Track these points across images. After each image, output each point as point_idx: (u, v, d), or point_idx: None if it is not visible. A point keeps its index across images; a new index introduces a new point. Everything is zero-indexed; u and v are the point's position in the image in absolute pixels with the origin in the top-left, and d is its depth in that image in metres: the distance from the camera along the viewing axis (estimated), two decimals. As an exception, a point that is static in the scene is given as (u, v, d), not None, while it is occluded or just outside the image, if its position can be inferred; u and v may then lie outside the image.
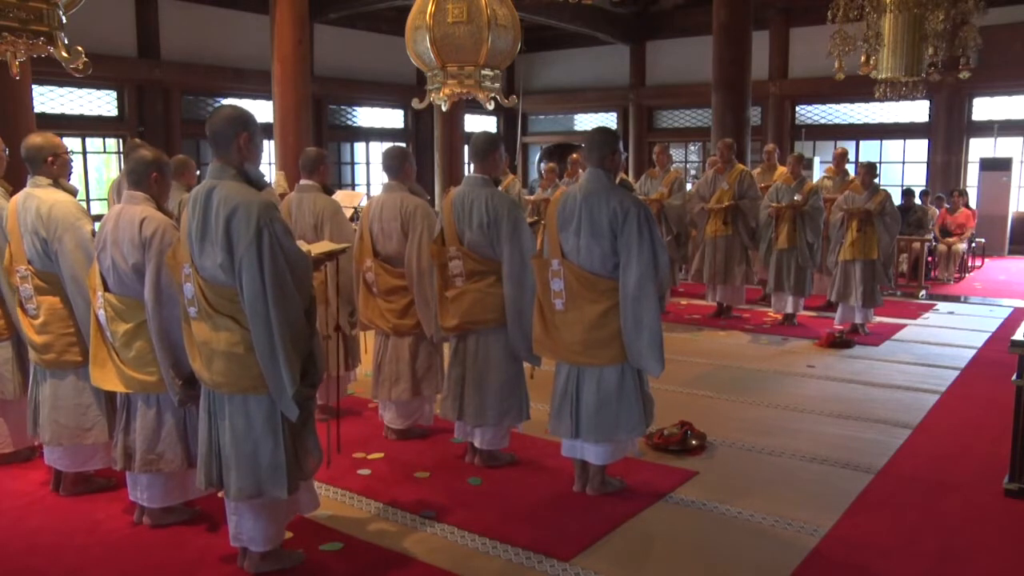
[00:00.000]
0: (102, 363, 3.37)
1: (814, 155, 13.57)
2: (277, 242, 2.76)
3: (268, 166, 11.15)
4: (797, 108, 14.62)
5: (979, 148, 13.31)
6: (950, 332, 7.42)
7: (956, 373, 5.97)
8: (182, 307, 2.99)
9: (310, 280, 2.99)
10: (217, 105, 11.38)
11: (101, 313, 3.32)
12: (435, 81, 4.83)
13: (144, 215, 3.23)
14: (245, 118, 2.88)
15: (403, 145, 5.84)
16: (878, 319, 7.48)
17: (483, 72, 4.74)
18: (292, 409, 2.84)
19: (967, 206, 11.71)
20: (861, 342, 6.92)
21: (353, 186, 14.78)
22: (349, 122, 14.82)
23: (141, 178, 3.31)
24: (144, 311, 3.25)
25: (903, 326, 7.63)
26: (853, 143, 13.95)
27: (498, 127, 17.11)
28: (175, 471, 3.38)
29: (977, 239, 11.75)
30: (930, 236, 10.36)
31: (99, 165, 11.70)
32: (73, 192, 3.76)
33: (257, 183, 2.88)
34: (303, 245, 3.19)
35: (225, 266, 2.77)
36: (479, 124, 15.82)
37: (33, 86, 6.72)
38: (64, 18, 3.50)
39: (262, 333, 2.76)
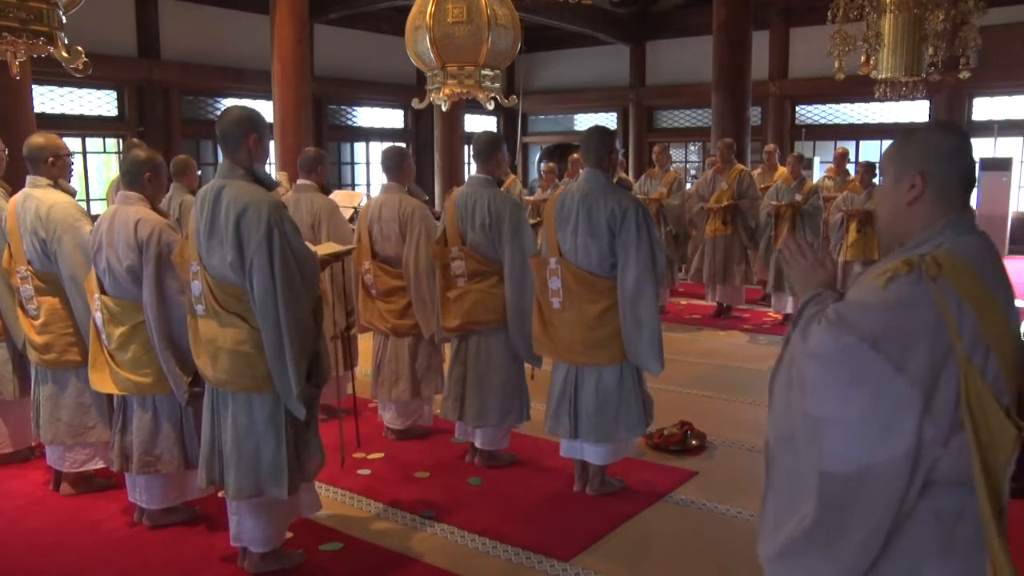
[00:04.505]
0: (100, 367, 3.37)
1: (814, 155, 13.57)
2: (287, 241, 2.78)
3: (269, 166, 11.14)
4: (797, 108, 14.61)
5: (979, 148, 13.31)
6: (950, 332, 7.41)
7: (956, 373, 5.96)
8: (188, 304, 3.00)
9: (318, 280, 3.00)
10: (223, 106, 11.40)
11: (98, 315, 3.33)
12: (435, 81, 4.83)
13: (139, 216, 3.24)
14: (255, 119, 2.90)
15: (402, 145, 5.84)
16: (878, 319, 7.47)
17: (483, 72, 4.75)
18: (299, 408, 2.85)
19: (967, 206, 11.71)
20: (861, 342, 6.90)
21: (353, 186, 14.77)
22: (349, 122, 14.81)
23: (135, 178, 3.32)
24: (140, 313, 3.26)
25: (903, 326, 7.62)
26: (853, 143, 13.93)
27: (498, 127, 17.10)
28: (173, 472, 3.38)
29: (977, 239, 11.74)
30: (930, 236, 10.35)
31: (99, 165, 11.69)
32: (72, 193, 3.76)
33: (266, 183, 2.90)
34: (308, 246, 3.20)
35: (235, 265, 2.78)
36: (479, 124, 15.81)
37: (33, 86, 6.73)
38: (64, 18, 3.50)
39: (271, 331, 2.77)
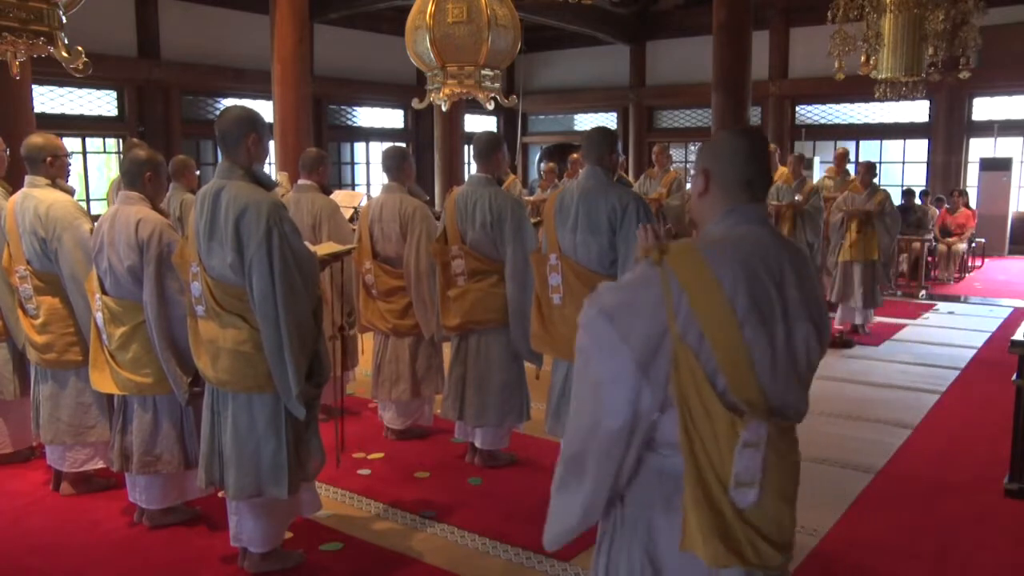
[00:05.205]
0: (101, 366, 3.37)
1: (814, 155, 13.57)
2: (286, 242, 2.77)
3: (269, 166, 11.13)
4: (797, 108, 14.61)
5: (979, 148, 13.31)
6: (950, 332, 7.42)
7: (956, 373, 5.97)
8: (188, 305, 3.00)
9: (317, 280, 3.00)
10: (222, 106, 11.38)
11: (99, 315, 3.33)
12: (435, 81, 4.83)
13: (140, 216, 3.23)
14: (254, 119, 2.89)
15: (402, 145, 5.84)
16: (878, 319, 7.48)
17: (483, 72, 4.75)
18: (299, 408, 2.85)
19: (967, 206, 11.71)
20: (861, 342, 6.91)
21: (353, 186, 14.77)
22: (349, 122, 14.82)
23: (135, 178, 3.32)
24: (141, 313, 3.26)
25: (903, 326, 7.63)
26: (853, 143, 13.94)
27: (498, 127, 17.10)
28: (173, 472, 3.38)
29: (977, 239, 11.75)
30: (930, 236, 10.36)
31: (99, 165, 11.69)
32: (70, 192, 3.76)
33: (265, 183, 2.90)
34: (308, 246, 3.20)
35: (235, 266, 2.78)
36: (479, 124, 15.81)
37: (33, 86, 6.72)
38: (64, 18, 3.50)
39: (271, 332, 2.77)
